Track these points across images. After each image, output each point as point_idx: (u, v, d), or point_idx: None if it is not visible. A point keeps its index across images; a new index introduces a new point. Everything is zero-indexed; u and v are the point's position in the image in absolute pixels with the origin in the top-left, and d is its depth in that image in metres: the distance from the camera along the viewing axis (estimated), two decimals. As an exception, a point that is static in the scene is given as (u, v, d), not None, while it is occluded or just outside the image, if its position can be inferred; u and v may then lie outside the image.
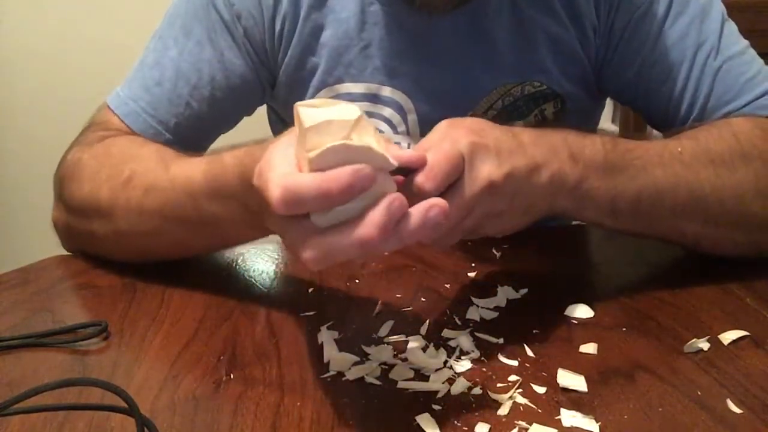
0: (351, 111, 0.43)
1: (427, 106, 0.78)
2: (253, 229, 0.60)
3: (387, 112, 0.78)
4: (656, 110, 0.78)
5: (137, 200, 0.65)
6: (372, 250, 0.42)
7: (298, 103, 0.44)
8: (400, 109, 0.78)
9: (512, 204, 0.55)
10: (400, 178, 0.49)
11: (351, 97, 0.78)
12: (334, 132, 0.41)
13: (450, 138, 0.53)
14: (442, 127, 0.55)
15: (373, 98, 0.78)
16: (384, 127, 0.79)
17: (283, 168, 0.43)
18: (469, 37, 0.76)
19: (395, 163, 0.43)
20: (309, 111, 0.42)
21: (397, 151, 0.48)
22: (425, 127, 0.79)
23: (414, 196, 0.49)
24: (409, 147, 0.79)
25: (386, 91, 0.78)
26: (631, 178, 0.61)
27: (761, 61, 0.76)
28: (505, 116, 0.79)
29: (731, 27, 0.76)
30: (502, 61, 0.77)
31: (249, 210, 0.55)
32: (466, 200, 0.52)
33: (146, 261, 0.69)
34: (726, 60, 0.74)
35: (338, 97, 0.78)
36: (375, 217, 0.41)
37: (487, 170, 0.53)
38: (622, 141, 0.63)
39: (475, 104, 0.78)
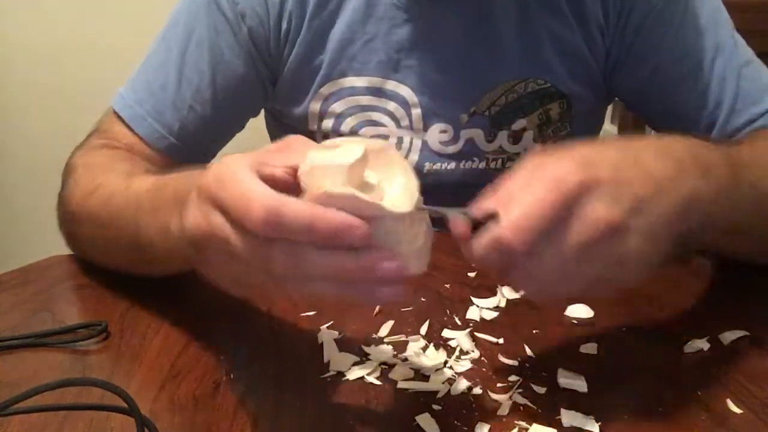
0: (352, 152, 0.41)
1: (431, 101, 0.78)
2: (180, 258, 0.53)
3: (391, 106, 0.78)
4: (673, 111, 0.78)
5: (96, 210, 0.65)
6: (344, 281, 0.40)
7: (321, 144, 0.43)
8: (404, 103, 0.78)
9: (642, 244, 0.44)
10: (463, 228, 0.43)
11: (355, 91, 0.78)
12: (331, 176, 0.40)
13: (552, 174, 0.43)
14: (539, 158, 0.45)
15: (377, 92, 0.78)
16: (387, 121, 0.79)
17: (255, 181, 0.40)
18: (474, 33, 0.76)
19: (393, 211, 0.40)
20: (313, 154, 0.42)
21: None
22: (429, 121, 0.79)
23: (499, 253, 0.42)
24: (411, 142, 0.80)
25: (390, 85, 0.78)
26: (748, 191, 0.55)
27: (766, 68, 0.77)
28: (508, 113, 0.79)
29: (738, 35, 0.77)
30: (506, 58, 0.77)
31: (172, 234, 0.50)
32: (574, 249, 0.43)
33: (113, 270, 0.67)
34: (744, 64, 0.75)
35: (341, 91, 0.78)
36: (371, 255, 0.39)
37: (603, 210, 0.43)
38: (725, 149, 0.55)
39: (479, 100, 0.79)
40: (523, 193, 0.43)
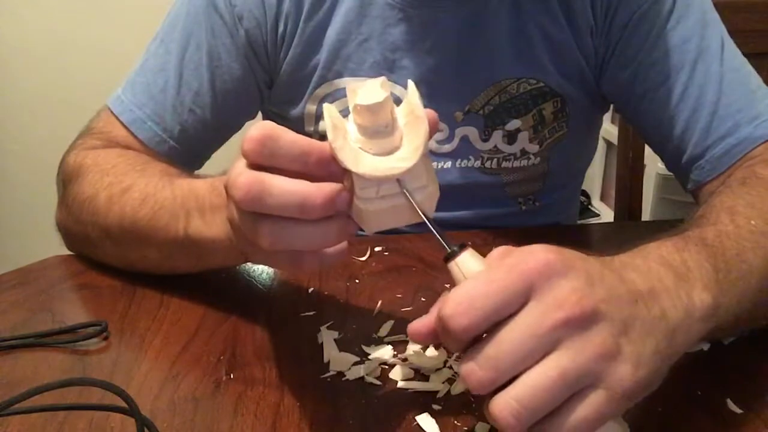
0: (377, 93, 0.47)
1: (426, 101, 0.78)
2: (232, 253, 0.56)
3: None
4: (652, 117, 0.76)
5: (132, 208, 0.64)
6: (307, 213, 0.42)
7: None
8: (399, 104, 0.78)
9: (623, 351, 0.38)
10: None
11: None
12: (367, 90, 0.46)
13: (514, 255, 0.39)
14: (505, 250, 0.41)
15: None
16: None
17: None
18: (468, 32, 0.76)
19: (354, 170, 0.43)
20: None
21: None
22: None
23: (444, 335, 0.38)
24: None
25: None
26: (740, 276, 0.49)
27: (758, 76, 0.75)
28: (501, 113, 0.79)
29: (730, 40, 0.75)
30: (499, 58, 0.77)
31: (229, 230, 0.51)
32: (532, 340, 0.36)
33: (134, 270, 0.68)
34: (730, 70, 0.72)
35: (337, 92, 0.78)
36: (328, 185, 0.43)
37: (566, 292, 0.36)
38: (696, 239, 0.49)
39: (473, 99, 0.79)
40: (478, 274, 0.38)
